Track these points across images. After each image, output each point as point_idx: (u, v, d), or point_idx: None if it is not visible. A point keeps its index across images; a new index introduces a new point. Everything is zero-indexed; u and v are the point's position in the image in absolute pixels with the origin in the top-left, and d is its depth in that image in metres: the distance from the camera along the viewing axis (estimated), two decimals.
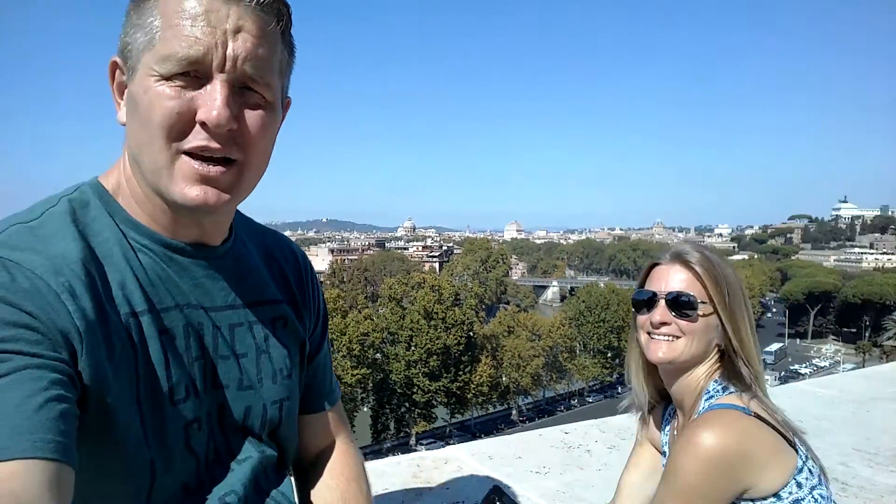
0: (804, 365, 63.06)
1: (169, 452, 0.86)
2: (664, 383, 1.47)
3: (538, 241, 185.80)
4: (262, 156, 0.88)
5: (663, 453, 1.53)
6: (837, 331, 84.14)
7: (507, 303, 79.38)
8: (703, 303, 1.33)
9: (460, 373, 41.45)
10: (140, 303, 0.85)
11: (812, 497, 1.23)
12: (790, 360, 67.69)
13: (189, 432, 0.89)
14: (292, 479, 1.13)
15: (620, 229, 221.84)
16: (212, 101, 0.79)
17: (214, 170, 0.82)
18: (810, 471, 1.25)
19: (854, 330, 78.89)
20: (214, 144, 0.81)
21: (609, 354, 54.08)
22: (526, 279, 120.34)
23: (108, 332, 0.80)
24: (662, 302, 1.36)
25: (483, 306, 60.29)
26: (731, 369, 1.33)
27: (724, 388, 1.32)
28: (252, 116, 0.84)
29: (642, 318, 1.40)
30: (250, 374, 0.99)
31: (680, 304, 1.34)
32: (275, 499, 1.02)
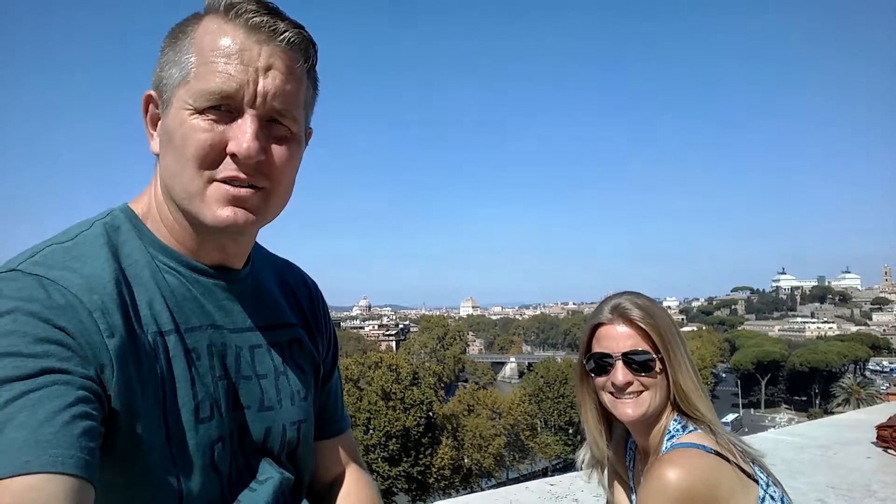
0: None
1: (195, 471, 0.86)
2: (632, 433, 1.56)
3: (494, 317, 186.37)
4: (286, 183, 0.93)
5: (631, 488, 1.61)
6: (789, 399, 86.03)
7: (466, 380, 78.35)
8: (655, 356, 1.43)
9: (421, 456, 39.98)
10: (167, 322, 0.88)
11: None
12: (746, 430, 68.37)
13: (214, 451, 0.90)
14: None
15: (574, 304, 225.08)
16: (242, 134, 0.84)
17: (244, 192, 0.87)
18: (772, 497, 1.35)
19: (804, 398, 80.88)
20: (242, 175, 0.86)
21: (570, 431, 53.34)
22: (483, 356, 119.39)
23: (137, 351, 0.82)
24: (619, 363, 1.44)
25: (442, 385, 59.30)
26: (689, 408, 1.42)
27: (684, 427, 1.42)
28: (278, 148, 0.89)
29: (601, 380, 1.48)
30: (270, 395, 1.00)
31: (636, 363, 1.43)
32: None
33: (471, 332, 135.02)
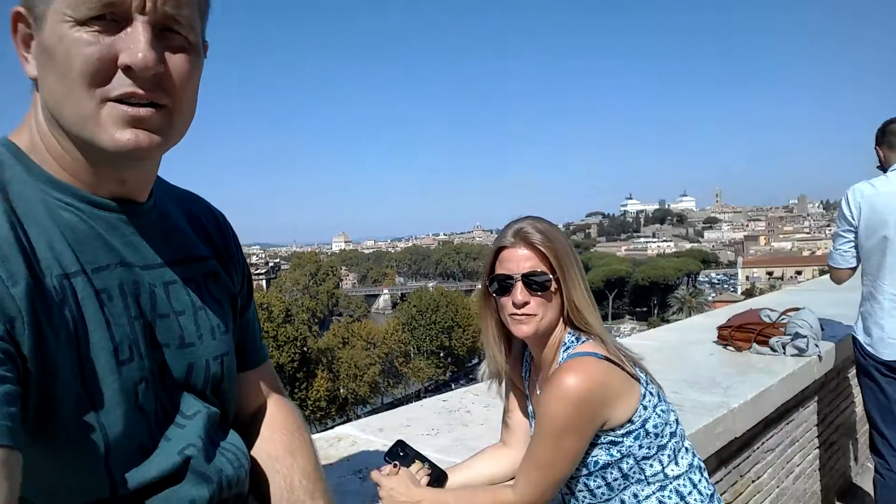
0: None
1: (120, 414, 0.81)
2: (530, 348, 1.64)
3: (367, 251, 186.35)
4: (189, 99, 0.84)
5: (526, 396, 1.72)
6: (632, 311, 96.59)
7: (341, 314, 78.54)
8: (552, 277, 1.50)
9: (296, 390, 40.04)
10: (71, 263, 0.80)
11: (655, 413, 1.48)
12: None
13: (138, 392, 0.85)
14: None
15: (444, 234, 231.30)
16: (135, 44, 0.75)
17: (144, 111, 0.78)
18: (651, 392, 1.50)
19: (645, 309, 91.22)
20: (140, 91, 0.77)
21: (441, 354, 56.09)
22: (357, 289, 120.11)
23: (44, 298, 0.75)
24: (519, 283, 1.49)
25: (315, 320, 58.97)
26: (580, 321, 1.52)
27: (578, 339, 1.51)
28: (176, 60, 0.80)
29: (504, 300, 1.53)
30: (189, 331, 0.96)
31: (535, 283, 1.49)
32: (229, 450, 0.99)
33: (343, 267, 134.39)
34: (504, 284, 1.52)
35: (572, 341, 1.52)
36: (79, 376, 0.78)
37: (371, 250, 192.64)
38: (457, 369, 59.19)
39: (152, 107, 0.79)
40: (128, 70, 0.75)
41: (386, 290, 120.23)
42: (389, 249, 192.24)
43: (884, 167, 3.19)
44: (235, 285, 1.11)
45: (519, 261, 1.51)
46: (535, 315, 1.50)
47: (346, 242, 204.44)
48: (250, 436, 1.11)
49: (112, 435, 0.80)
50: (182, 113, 0.84)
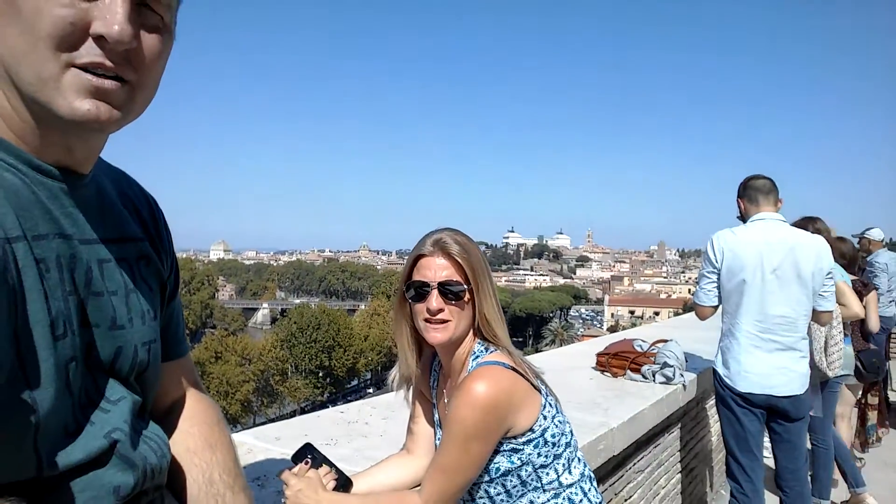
0: None
1: (51, 393, 0.77)
2: (439, 354, 1.70)
3: (247, 262, 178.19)
4: (155, 78, 0.81)
5: (433, 404, 1.78)
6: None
7: (214, 327, 73.95)
8: (466, 287, 1.57)
9: None
10: (14, 228, 0.75)
11: (553, 423, 1.59)
12: None
13: (69, 371, 0.81)
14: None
15: (330, 251, 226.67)
16: (112, 14, 0.71)
17: (109, 83, 0.74)
18: (550, 404, 1.61)
19: (521, 339, 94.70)
20: (108, 63, 0.73)
21: (320, 374, 54.56)
22: (235, 301, 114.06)
23: None
24: (435, 291, 1.55)
25: (187, 332, 54.69)
26: (489, 333, 1.60)
27: (487, 349, 1.59)
28: (150, 38, 0.77)
29: (419, 306, 1.57)
30: (121, 313, 0.91)
31: (449, 292, 1.55)
32: (152, 439, 0.97)
33: (221, 277, 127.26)
34: (420, 291, 1.56)
35: (481, 351, 1.58)
36: (13, 346, 0.73)
37: (252, 261, 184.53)
38: (335, 390, 57.75)
39: (117, 80, 0.75)
40: (100, 39, 0.72)
41: (265, 305, 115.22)
42: (272, 262, 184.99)
43: (743, 218, 3.61)
44: (165, 271, 1.07)
45: (436, 269, 1.56)
46: (450, 322, 1.55)
47: (225, 251, 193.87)
48: (167, 428, 1.06)
49: (42, 412, 0.76)
50: (145, 91, 0.80)
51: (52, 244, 0.81)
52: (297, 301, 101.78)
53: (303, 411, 53.65)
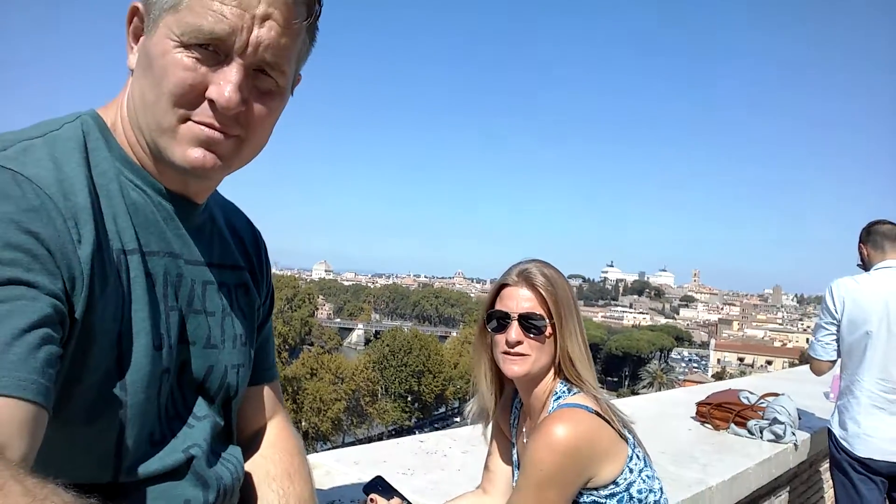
0: None
1: (143, 400, 0.82)
2: (519, 390, 1.64)
3: (346, 283, 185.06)
4: (262, 135, 0.89)
5: (512, 444, 1.70)
6: (602, 379, 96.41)
7: (312, 344, 77.14)
8: (548, 321, 1.51)
9: None
10: (130, 241, 0.83)
11: (641, 478, 1.47)
12: None
13: (161, 382, 0.86)
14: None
15: (425, 276, 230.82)
16: (226, 82, 0.79)
17: (218, 136, 0.82)
18: (638, 456, 1.49)
19: (616, 379, 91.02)
20: (217, 124, 0.82)
21: (409, 398, 55.17)
22: (332, 321, 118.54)
23: (104, 266, 0.77)
24: (515, 323, 1.51)
25: (287, 347, 58.05)
26: (572, 373, 1.52)
27: (570, 390, 1.51)
28: (260, 100, 0.85)
29: (499, 337, 1.54)
30: (216, 334, 0.98)
31: (530, 325, 1.50)
32: (230, 461, 0.99)
33: (321, 296, 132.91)
34: (501, 322, 1.53)
35: (564, 392, 1.51)
36: (115, 350, 0.79)
37: (351, 283, 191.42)
38: (423, 416, 58.13)
39: (225, 133, 0.83)
40: (212, 102, 0.80)
41: (361, 325, 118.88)
42: (369, 284, 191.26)
43: (866, 266, 3.29)
44: (259, 300, 1.12)
45: (519, 300, 1.52)
46: (528, 356, 1.50)
47: (326, 271, 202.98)
48: (249, 451, 1.10)
49: (130, 418, 0.80)
50: (252, 145, 0.88)
51: (162, 261, 0.88)
52: (391, 324, 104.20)
53: (389, 435, 54.55)
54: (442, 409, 65.25)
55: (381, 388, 53.66)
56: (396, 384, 54.35)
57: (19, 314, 0.63)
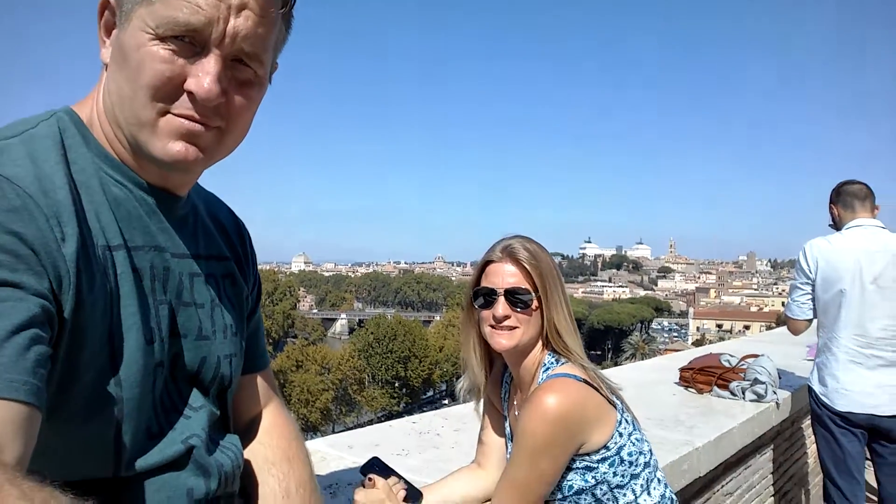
0: None
1: (137, 394, 0.82)
2: (508, 364, 1.66)
3: (327, 274, 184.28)
4: (242, 125, 0.89)
5: (504, 417, 1.73)
6: (586, 354, 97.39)
7: (296, 336, 76.85)
8: (534, 294, 1.53)
9: None
10: (115, 237, 0.83)
11: (630, 441, 1.51)
12: None
13: (155, 376, 0.87)
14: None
15: (405, 263, 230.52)
16: (204, 74, 0.79)
17: (198, 128, 0.82)
18: (627, 420, 1.53)
19: (599, 352, 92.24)
20: (197, 115, 0.81)
21: (396, 384, 55.39)
22: (314, 312, 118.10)
23: (90, 263, 0.77)
24: (502, 298, 1.52)
25: (270, 340, 57.74)
26: (559, 344, 1.55)
27: (558, 360, 1.54)
28: (240, 91, 0.84)
29: (486, 313, 1.55)
30: (206, 325, 0.98)
31: (516, 299, 1.52)
32: (229, 448, 1.00)
33: (302, 288, 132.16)
34: (487, 298, 1.54)
35: (552, 363, 1.53)
36: (106, 347, 0.79)
37: (331, 273, 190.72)
38: (411, 401, 58.41)
39: (206, 125, 0.83)
40: (191, 94, 0.80)
41: (344, 315, 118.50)
42: (350, 273, 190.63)
43: (837, 226, 3.36)
44: (247, 289, 1.12)
45: (504, 276, 1.54)
46: (517, 328, 1.52)
47: (305, 263, 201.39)
48: (247, 439, 1.10)
49: (126, 414, 0.81)
50: (232, 135, 0.88)
51: (148, 255, 0.88)
52: (374, 312, 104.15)
53: (379, 421, 54.45)
54: (430, 393, 65.63)
55: (368, 375, 53.79)
56: (383, 371, 54.49)
57: (7, 316, 0.63)
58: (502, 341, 1.53)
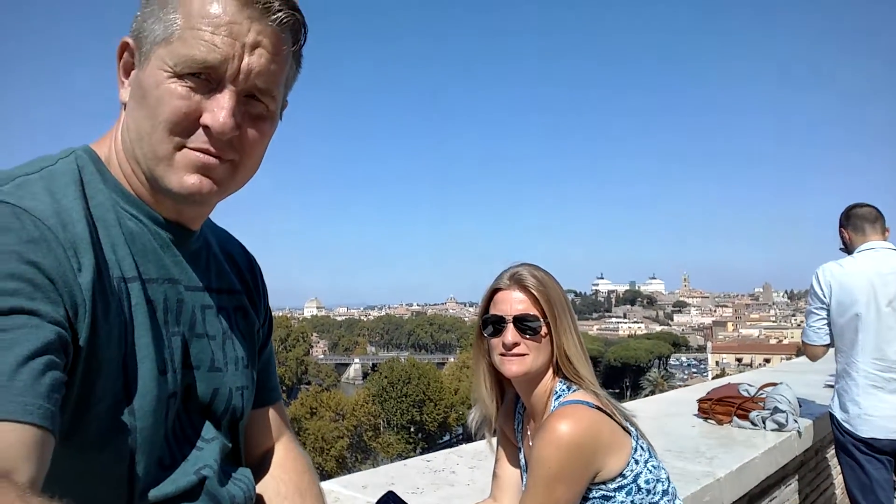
0: None
1: (150, 425, 0.84)
2: (519, 393, 1.66)
3: (339, 318, 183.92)
4: (255, 158, 0.92)
5: (519, 448, 1.71)
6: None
7: (309, 383, 76.25)
8: (543, 321, 1.54)
9: None
10: (130, 269, 0.85)
11: (647, 468, 1.49)
12: None
13: (168, 406, 0.88)
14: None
15: (418, 304, 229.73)
16: (219, 109, 0.83)
17: (213, 161, 0.85)
18: (642, 447, 1.51)
19: (617, 390, 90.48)
20: (213, 149, 0.85)
21: (412, 429, 54.53)
22: (328, 357, 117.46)
23: (104, 294, 0.79)
24: (511, 325, 1.53)
25: (284, 388, 57.25)
26: (570, 371, 1.54)
27: (569, 387, 1.53)
28: (253, 125, 0.88)
29: (495, 341, 1.56)
30: (218, 357, 0.98)
31: (525, 326, 1.53)
32: (241, 480, 1.00)
33: (315, 333, 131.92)
34: (496, 326, 1.55)
35: (563, 390, 1.53)
36: (121, 376, 0.80)
37: (343, 317, 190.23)
38: (427, 445, 57.31)
39: (220, 158, 0.86)
40: (207, 129, 0.83)
41: (357, 360, 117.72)
42: (362, 317, 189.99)
43: (848, 249, 3.35)
44: (258, 323, 1.15)
45: (512, 303, 1.55)
46: (526, 356, 1.52)
47: (318, 308, 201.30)
48: (259, 473, 1.11)
49: (140, 443, 0.82)
50: (245, 169, 0.91)
51: (162, 287, 0.90)
52: (388, 355, 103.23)
53: None
54: (446, 437, 64.46)
55: (383, 421, 53.04)
56: (398, 416, 53.76)
57: (23, 342, 0.65)
58: (513, 367, 1.52)
